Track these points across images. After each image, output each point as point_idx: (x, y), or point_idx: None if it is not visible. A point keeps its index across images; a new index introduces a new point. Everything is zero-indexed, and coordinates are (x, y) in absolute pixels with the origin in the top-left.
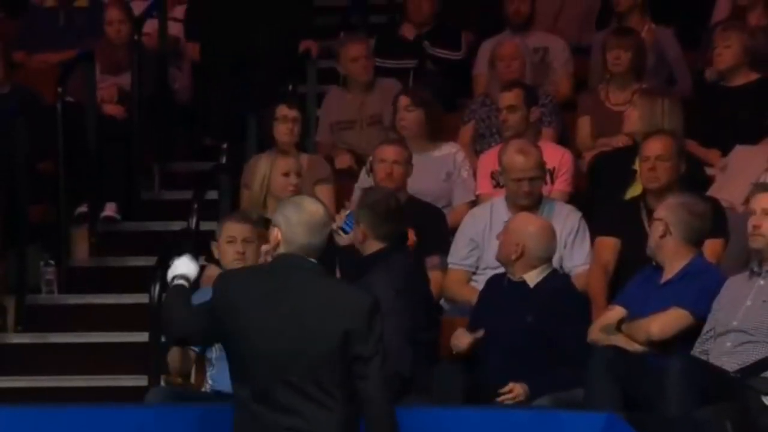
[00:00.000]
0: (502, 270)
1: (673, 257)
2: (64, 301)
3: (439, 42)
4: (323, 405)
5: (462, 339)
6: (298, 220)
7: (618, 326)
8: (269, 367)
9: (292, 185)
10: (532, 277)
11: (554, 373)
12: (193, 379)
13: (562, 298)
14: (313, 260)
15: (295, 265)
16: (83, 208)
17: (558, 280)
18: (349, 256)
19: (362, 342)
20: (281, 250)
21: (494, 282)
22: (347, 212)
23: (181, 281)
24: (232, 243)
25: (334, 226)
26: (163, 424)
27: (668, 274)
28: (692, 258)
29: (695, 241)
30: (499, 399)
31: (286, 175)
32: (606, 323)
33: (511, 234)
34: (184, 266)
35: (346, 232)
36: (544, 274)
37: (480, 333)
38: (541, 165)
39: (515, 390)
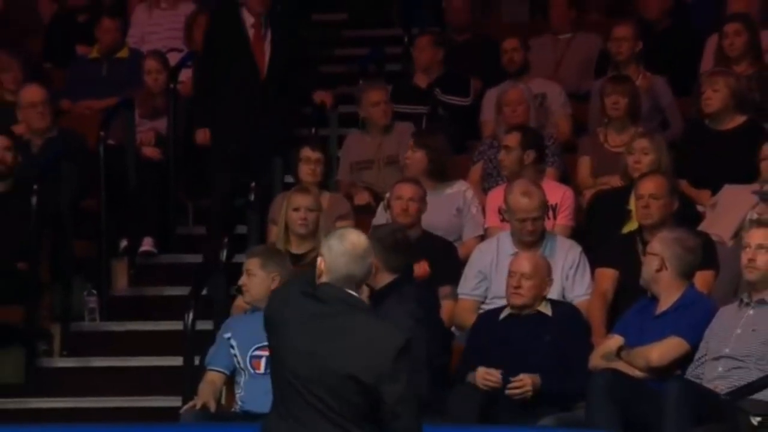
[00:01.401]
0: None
1: (668, 290)
2: (105, 328)
3: (449, 89)
4: (343, 428)
5: (494, 375)
6: (339, 251)
7: (617, 353)
8: (299, 389)
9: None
10: (546, 307)
11: (563, 379)
12: (223, 401)
13: (572, 320)
14: (353, 293)
15: (335, 295)
16: (124, 243)
17: (563, 306)
18: None
19: (392, 381)
20: (324, 279)
21: (487, 318)
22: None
23: None
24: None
25: None
26: None
27: (663, 306)
28: (685, 290)
29: (688, 274)
30: (508, 390)
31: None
32: (606, 351)
33: (526, 274)
34: None
35: None
36: (550, 302)
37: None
38: (543, 205)
39: (525, 381)
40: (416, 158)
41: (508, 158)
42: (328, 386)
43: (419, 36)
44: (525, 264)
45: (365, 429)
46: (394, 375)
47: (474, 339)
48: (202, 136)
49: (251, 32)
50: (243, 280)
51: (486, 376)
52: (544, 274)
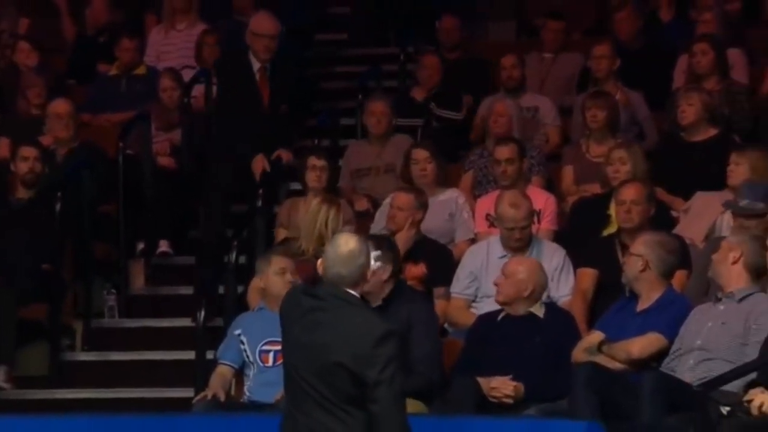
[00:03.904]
0: (493, 303)
1: (650, 289)
2: (123, 324)
3: (443, 104)
4: (341, 420)
5: (509, 385)
6: (330, 253)
7: (598, 348)
8: (299, 381)
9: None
10: (539, 309)
11: (550, 382)
12: (233, 392)
13: (562, 321)
14: (347, 289)
15: (330, 292)
16: (141, 245)
17: (554, 308)
18: None
19: (370, 365)
20: (322, 278)
21: (484, 320)
22: (376, 254)
23: None
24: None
25: None
26: (206, 431)
27: (644, 304)
28: (665, 290)
29: (668, 275)
30: (490, 395)
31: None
32: (588, 345)
33: (518, 276)
34: None
35: None
36: (544, 305)
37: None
38: (530, 215)
39: (507, 388)
40: (431, 169)
41: (511, 168)
42: (321, 375)
43: (425, 54)
44: (519, 269)
45: (355, 415)
46: (372, 360)
47: (472, 338)
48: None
49: (258, 75)
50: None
51: (499, 392)
52: (536, 279)
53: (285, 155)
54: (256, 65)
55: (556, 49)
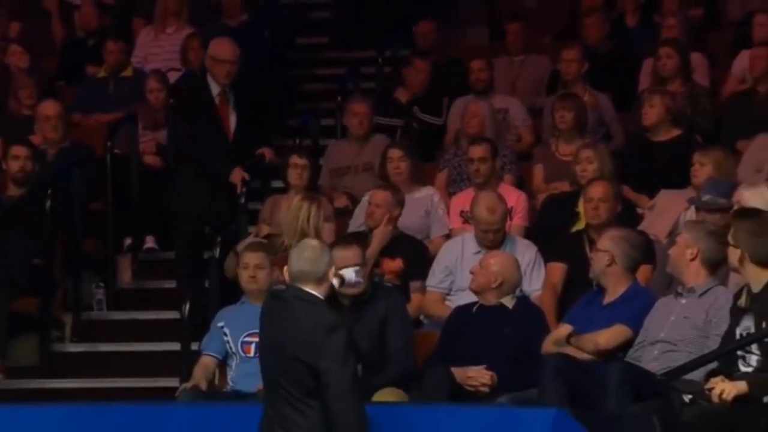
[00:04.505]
0: (471, 295)
1: (616, 283)
2: (111, 317)
3: (426, 109)
4: (302, 412)
5: (485, 374)
6: (294, 254)
7: (567, 340)
8: (269, 377)
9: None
10: (509, 301)
11: (519, 373)
12: (216, 381)
13: (532, 315)
14: (308, 290)
15: (292, 293)
16: (128, 241)
17: (525, 301)
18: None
19: (322, 356)
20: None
21: (460, 312)
22: (356, 269)
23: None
24: (246, 269)
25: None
26: (191, 419)
27: (611, 297)
28: (631, 284)
29: (634, 269)
30: (468, 380)
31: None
32: (557, 337)
33: (491, 268)
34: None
35: (343, 282)
36: (516, 298)
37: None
38: (504, 217)
39: (483, 378)
40: (405, 167)
41: (484, 167)
42: (284, 371)
43: (417, 58)
44: (493, 261)
45: (315, 407)
46: (323, 350)
47: (447, 329)
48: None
49: (217, 99)
50: (251, 272)
51: (475, 381)
52: (507, 273)
53: (268, 153)
54: (215, 89)
55: (518, 50)
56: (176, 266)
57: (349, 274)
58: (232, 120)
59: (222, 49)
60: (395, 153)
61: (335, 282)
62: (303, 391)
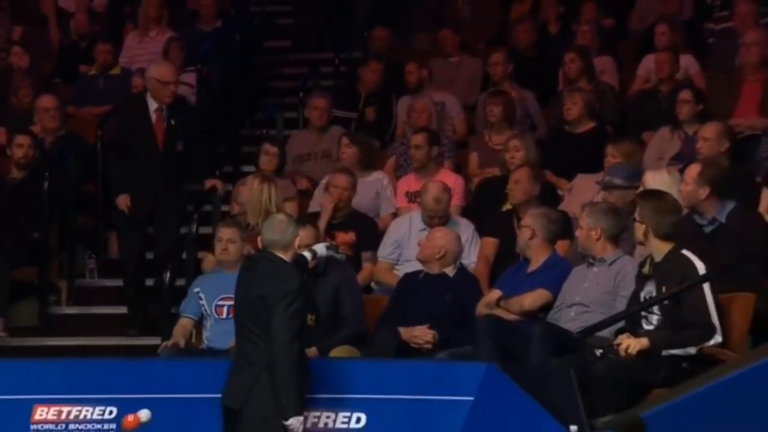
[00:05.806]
0: (416, 265)
1: (537, 254)
2: (101, 283)
3: (377, 104)
4: (256, 344)
5: (428, 333)
6: (266, 225)
7: (497, 303)
8: (237, 321)
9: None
10: (450, 271)
11: (457, 332)
12: (194, 340)
13: (469, 282)
14: (277, 253)
15: (263, 255)
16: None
17: (464, 271)
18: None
19: (276, 296)
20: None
21: (408, 278)
22: (326, 244)
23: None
24: (219, 242)
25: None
26: (171, 373)
27: (534, 266)
28: (550, 254)
29: (552, 241)
30: (413, 338)
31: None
32: (488, 301)
33: (437, 241)
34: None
35: (315, 255)
36: (457, 269)
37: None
38: (448, 205)
39: (426, 335)
40: (350, 153)
41: (418, 153)
42: (249, 310)
43: (373, 61)
44: (438, 235)
45: (264, 338)
46: (278, 291)
47: (396, 294)
48: (124, 201)
49: (154, 116)
50: (223, 245)
51: (419, 339)
52: (450, 246)
53: (219, 186)
54: (153, 106)
55: (452, 53)
56: (157, 241)
57: (321, 248)
58: (164, 135)
59: (166, 72)
60: (343, 141)
61: (308, 255)
62: (259, 325)
